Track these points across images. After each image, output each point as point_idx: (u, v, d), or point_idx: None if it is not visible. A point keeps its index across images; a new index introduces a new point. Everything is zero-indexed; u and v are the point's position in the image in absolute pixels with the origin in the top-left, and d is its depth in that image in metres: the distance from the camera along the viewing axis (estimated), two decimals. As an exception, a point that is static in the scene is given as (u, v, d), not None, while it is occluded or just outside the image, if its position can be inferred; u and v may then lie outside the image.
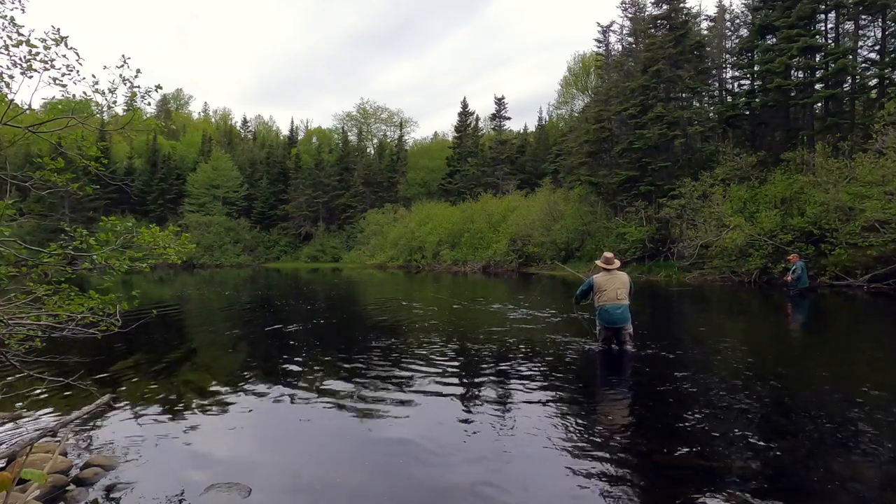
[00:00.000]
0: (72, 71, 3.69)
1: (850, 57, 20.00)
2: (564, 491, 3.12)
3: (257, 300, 16.07)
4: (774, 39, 22.18)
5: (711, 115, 26.20)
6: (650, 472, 3.35)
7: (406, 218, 44.72)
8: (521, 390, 5.15)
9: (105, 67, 3.70)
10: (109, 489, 3.20)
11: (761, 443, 3.79)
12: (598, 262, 6.92)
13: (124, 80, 3.73)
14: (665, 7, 25.53)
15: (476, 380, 5.64)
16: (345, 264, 46.55)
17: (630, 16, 32.59)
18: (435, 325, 9.82)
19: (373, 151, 63.98)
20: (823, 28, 22.32)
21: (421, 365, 6.37)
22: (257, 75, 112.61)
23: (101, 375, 6.12)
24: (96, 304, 4.07)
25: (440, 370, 6.07)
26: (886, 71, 19.72)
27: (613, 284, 6.56)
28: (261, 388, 5.48)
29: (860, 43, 21.28)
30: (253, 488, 3.15)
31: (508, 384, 5.39)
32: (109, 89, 3.74)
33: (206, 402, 5.00)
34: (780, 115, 23.01)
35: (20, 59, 3.62)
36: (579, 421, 4.36)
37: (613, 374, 6.10)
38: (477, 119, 51.69)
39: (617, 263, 6.79)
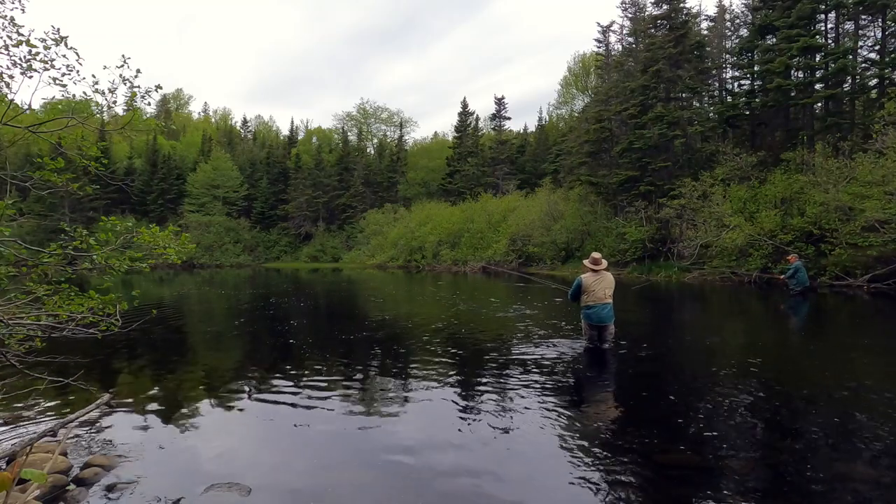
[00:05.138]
0: (72, 71, 3.69)
1: (850, 57, 20.00)
2: (564, 491, 3.12)
3: (257, 300, 16.07)
4: (774, 39, 22.18)
5: (711, 115, 26.20)
6: (650, 472, 3.35)
7: (406, 218, 44.71)
8: (519, 390, 5.14)
9: (105, 67, 3.70)
10: (109, 489, 3.20)
11: (761, 443, 3.79)
12: (585, 263, 7.11)
13: (124, 80, 3.72)
14: (665, 7, 25.54)
15: (475, 379, 5.64)
16: (345, 264, 46.55)
17: (630, 16, 32.64)
18: (433, 325, 9.82)
19: (373, 151, 63.95)
20: (823, 28, 22.33)
21: (419, 365, 6.37)
22: (257, 75, 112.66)
23: (101, 375, 6.13)
24: (96, 304, 4.07)
25: (439, 370, 6.07)
26: (886, 71, 19.72)
27: (601, 285, 6.78)
28: (261, 388, 5.48)
29: (860, 43, 21.29)
30: (253, 488, 3.15)
31: (506, 384, 5.38)
32: (109, 89, 3.74)
33: (205, 402, 5.00)
34: (780, 115, 23.01)
35: (20, 59, 3.62)
36: (578, 421, 4.36)
37: (612, 374, 6.10)
38: (477, 119, 51.72)
39: (604, 264, 7.01)
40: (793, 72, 21.93)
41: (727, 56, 28.85)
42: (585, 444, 3.81)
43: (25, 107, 3.88)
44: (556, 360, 6.40)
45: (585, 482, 3.20)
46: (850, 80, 21.00)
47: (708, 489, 3.08)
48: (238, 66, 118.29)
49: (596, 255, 7.07)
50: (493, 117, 51.02)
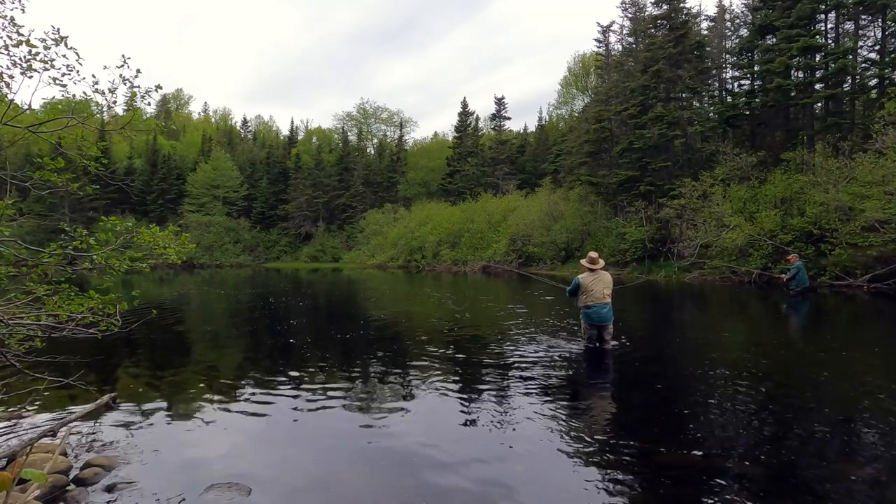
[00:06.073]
0: (72, 71, 3.69)
1: (850, 57, 20.00)
2: (565, 491, 3.12)
3: (257, 300, 16.07)
4: (774, 39, 22.18)
5: (711, 115, 26.20)
6: (650, 472, 3.35)
7: (406, 218, 44.71)
8: (519, 390, 5.14)
9: (105, 67, 3.70)
10: (109, 489, 3.20)
11: (761, 443, 3.79)
12: (583, 262, 7.11)
13: (124, 80, 3.73)
14: (665, 7, 25.54)
15: (475, 380, 5.64)
16: (345, 264, 46.55)
17: (630, 16, 32.65)
18: (432, 325, 9.82)
19: (373, 151, 63.96)
20: (823, 28, 22.34)
21: (419, 365, 6.37)
22: (257, 75, 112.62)
23: (101, 375, 6.13)
24: (96, 304, 4.07)
25: (439, 370, 6.07)
26: (886, 71, 19.72)
27: (599, 285, 6.79)
28: (261, 387, 5.47)
29: (860, 43, 21.28)
30: (253, 488, 3.15)
31: (506, 384, 5.39)
32: (109, 89, 3.74)
33: (206, 402, 5.00)
34: (780, 115, 23.01)
35: (20, 59, 3.62)
36: (579, 421, 4.36)
37: (612, 374, 6.10)
38: (477, 119, 51.71)
39: (601, 263, 7.02)
40: (793, 72, 21.93)
41: (727, 56, 28.85)
42: (585, 444, 3.81)
43: (25, 107, 3.88)
44: (555, 360, 6.40)
45: (585, 482, 3.20)
46: (850, 80, 21.00)
47: (708, 489, 3.08)
48: (238, 66, 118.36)
49: (593, 254, 7.07)
50: (493, 117, 50.99)
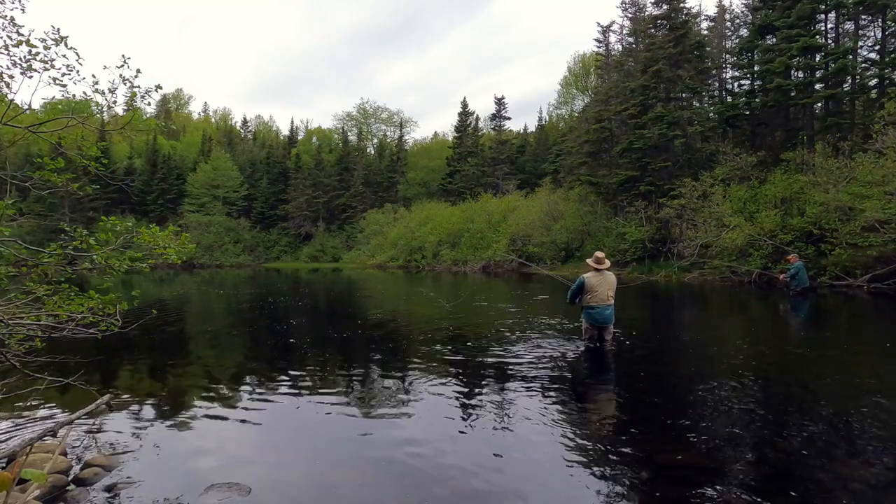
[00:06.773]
0: (72, 71, 3.69)
1: (850, 57, 20.01)
2: (565, 491, 3.12)
3: (257, 300, 16.07)
4: (774, 39, 22.19)
5: (711, 115, 26.20)
6: (650, 472, 3.35)
7: (406, 218, 44.70)
8: (519, 390, 5.14)
9: (105, 67, 3.70)
10: (109, 489, 3.20)
11: (761, 443, 3.79)
12: (588, 262, 7.07)
13: (124, 80, 3.72)
14: (665, 7, 25.54)
15: (474, 380, 5.64)
16: (345, 264, 46.54)
17: (630, 16, 32.66)
18: (432, 325, 9.81)
19: (373, 151, 63.95)
20: (823, 28, 22.34)
21: (419, 365, 6.37)
22: (257, 75, 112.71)
23: (101, 375, 6.13)
24: (96, 304, 4.07)
25: (438, 370, 6.07)
26: (886, 71, 19.72)
27: (603, 286, 6.75)
28: (261, 388, 5.48)
29: (860, 43, 21.29)
30: (253, 488, 3.15)
31: (506, 384, 5.39)
32: (109, 89, 3.74)
33: (206, 402, 5.00)
34: (780, 115, 23.02)
35: (20, 59, 3.62)
36: (578, 421, 4.36)
37: (612, 374, 6.09)
38: (477, 119, 51.69)
39: (607, 263, 6.97)
40: (793, 72, 21.93)
41: (727, 56, 28.85)
42: (585, 444, 3.81)
43: (25, 107, 3.88)
44: (555, 361, 6.40)
45: (585, 482, 3.20)
46: (850, 80, 21.00)
47: (708, 489, 3.08)
48: (238, 66, 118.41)
49: (599, 254, 7.00)
50: (493, 117, 50.99)
